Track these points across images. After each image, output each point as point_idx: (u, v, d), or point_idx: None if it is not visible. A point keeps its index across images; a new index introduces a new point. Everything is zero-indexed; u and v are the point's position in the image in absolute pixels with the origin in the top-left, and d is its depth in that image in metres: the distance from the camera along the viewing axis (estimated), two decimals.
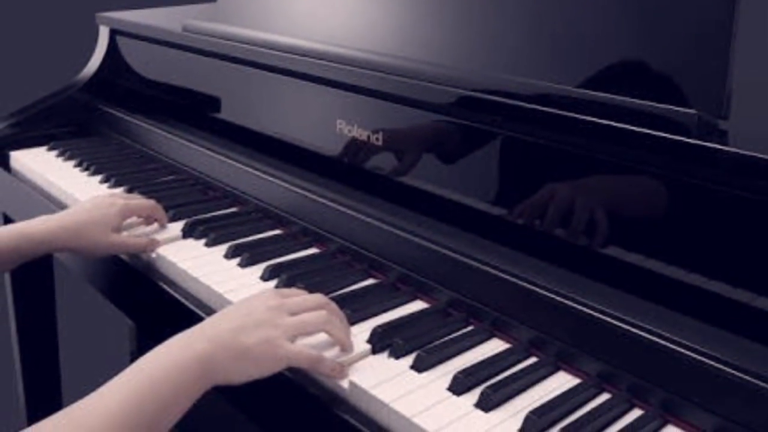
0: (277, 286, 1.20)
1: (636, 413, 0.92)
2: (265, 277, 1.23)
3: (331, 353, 1.01)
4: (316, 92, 1.42)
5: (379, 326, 1.06)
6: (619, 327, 0.94)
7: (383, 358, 1.02)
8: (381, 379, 0.96)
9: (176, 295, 1.23)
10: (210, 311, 1.16)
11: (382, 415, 0.92)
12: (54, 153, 1.84)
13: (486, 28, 1.17)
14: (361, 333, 1.06)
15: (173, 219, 1.45)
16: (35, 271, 1.94)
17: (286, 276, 1.20)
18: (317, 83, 1.42)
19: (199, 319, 0.99)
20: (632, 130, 0.96)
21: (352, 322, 1.09)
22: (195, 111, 1.77)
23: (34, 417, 2.03)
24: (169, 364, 0.90)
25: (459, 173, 1.20)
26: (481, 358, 1.01)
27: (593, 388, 0.95)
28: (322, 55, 1.40)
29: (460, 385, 0.95)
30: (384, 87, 1.28)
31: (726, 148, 0.88)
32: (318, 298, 1.05)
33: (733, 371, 0.84)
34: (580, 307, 0.98)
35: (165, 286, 1.26)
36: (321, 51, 1.41)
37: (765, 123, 1.07)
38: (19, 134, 1.89)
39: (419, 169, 1.25)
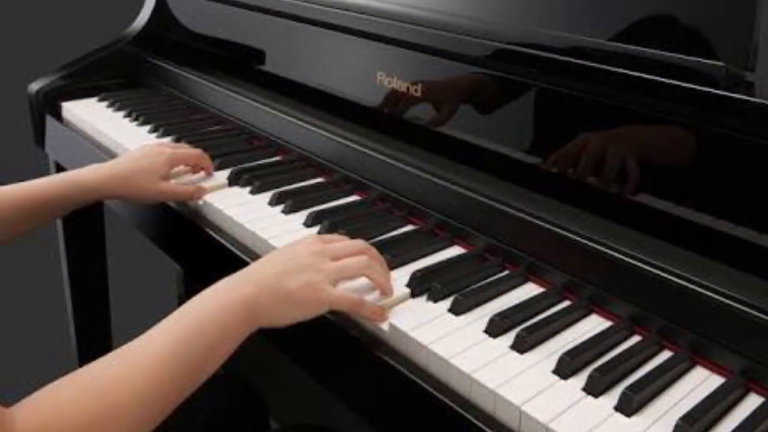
0: (319, 232, 1.21)
1: (666, 354, 0.93)
2: (308, 223, 1.24)
3: (371, 297, 1.02)
4: (357, 45, 1.43)
5: (418, 271, 1.07)
6: (649, 271, 0.94)
7: (422, 301, 1.03)
8: (420, 322, 0.97)
9: (222, 241, 1.25)
10: (255, 256, 1.18)
11: (421, 357, 0.93)
12: (104, 104, 1.85)
13: None
14: (400, 277, 1.07)
15: (219, 167, 1.46)
16: (86, 218, 1.97)
17: (328, 222, 1.21)
18: (358, 37, 1.42)
19: (245, 264, 1.00)
20: (662, 82, 0.96)
21: (392, 266, 1.10)
22: (240, 63, 1.77)
23: (85, 358, 2.04)
24: (216, 307, 0.91)
25: (495, 123, 1.20)
26: (516, 301, 1.02)
27: (624, 330, 0.97)
28: (363, 9, 1.40)
29: (496, 328, 0.96)
30: (423, 40, 1.28)
31: (752, 99, 0.89)
32: (359, 243, 1.06)
33: (759, 314, 0.85)
34: (611, 252, 0.99)
35: (211, 232, 1.28)
36: (362, 5, 1.41)
37: None
38: (70, 86, 1.90)
39: (456, 120, 1.26)
